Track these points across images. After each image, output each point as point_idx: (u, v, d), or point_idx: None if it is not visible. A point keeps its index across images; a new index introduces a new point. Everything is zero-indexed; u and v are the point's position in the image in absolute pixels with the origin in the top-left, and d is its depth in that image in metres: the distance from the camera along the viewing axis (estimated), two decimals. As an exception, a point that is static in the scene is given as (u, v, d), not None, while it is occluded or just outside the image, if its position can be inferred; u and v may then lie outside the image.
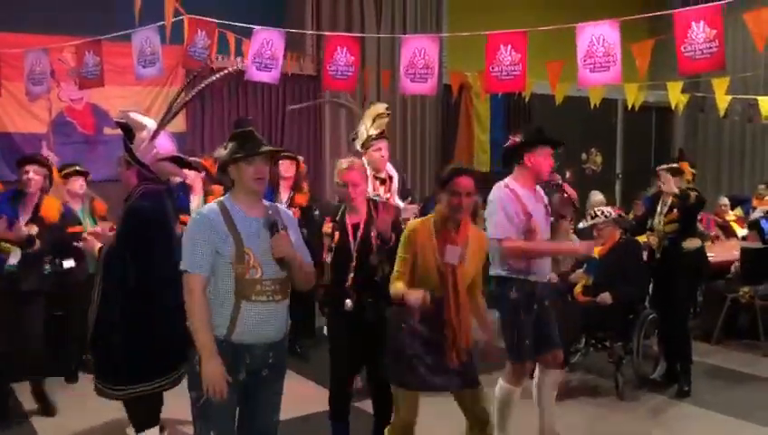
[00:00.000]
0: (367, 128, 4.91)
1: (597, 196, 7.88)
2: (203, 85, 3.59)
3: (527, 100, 8.46)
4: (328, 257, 3.72)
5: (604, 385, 5.39)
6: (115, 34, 5.77)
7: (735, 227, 8.53)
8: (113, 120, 4.69)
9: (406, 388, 3.31)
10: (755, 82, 9.52)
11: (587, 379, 5.58)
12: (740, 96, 8.66)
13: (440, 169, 3.66)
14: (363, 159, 4.42)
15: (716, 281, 6.69)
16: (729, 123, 10.45)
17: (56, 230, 4.72)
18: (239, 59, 6.32)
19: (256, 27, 5.55)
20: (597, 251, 5.31)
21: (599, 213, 5.31)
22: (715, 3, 4.51)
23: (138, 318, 3.33)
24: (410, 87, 5.60)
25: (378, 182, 4.92)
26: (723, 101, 7.58)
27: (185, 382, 2.87)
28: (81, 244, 3.76)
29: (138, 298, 3.33)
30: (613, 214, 5.37)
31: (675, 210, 5.21)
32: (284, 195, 5.79)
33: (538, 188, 4.04)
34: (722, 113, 7.98)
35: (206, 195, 5.30)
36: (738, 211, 9.03)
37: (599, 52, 4.83)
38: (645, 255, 5.45)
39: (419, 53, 5.49)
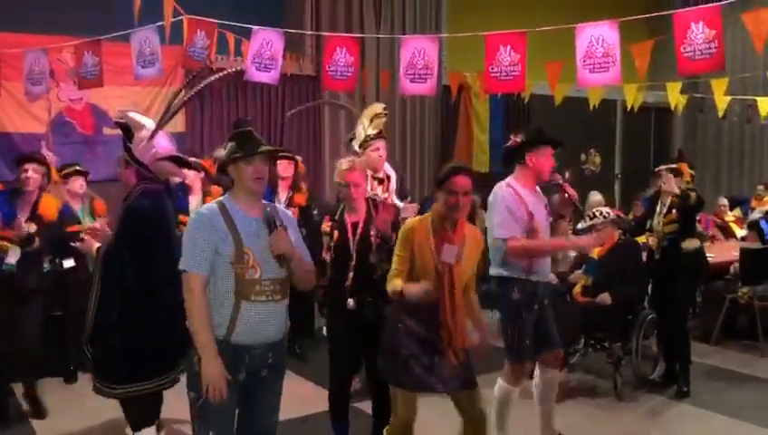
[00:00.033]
0: (365, 128, 4.91)
1: (596, 196, 7.89)
2: (202, 85, 3.59)
3: (526, 100, 8.47)
4: (327, 256, 3.73)
5: (603, 386, 5.39)
6: (114, 35, 5.77)
7: (734, 227, 8.54)
8: (112, 120, 4.70)
9: (403, 388, 3.31)
10: (754, 83, 9.52)
11: (586, 379, 5.58)
12: (739, 97, 8.66)
13: (439, 169, 3.67)
14: (361, 158, 4.43)
15: (715, 282, 6.69)
16: (728, 124, 10.46)
17: (55, 228, 4.72)
18: (239, 59, 6.33)
19: (255, 27, 5.54)
20: (596, 252, 5.32)
21: (597, 214, 5.31)
22: (714, 3, 4.52)
23: (136, 317, 3.33)
24: (410, 87, 5.60)
25: (375, 182, 4.92)
26: (722, 101, 7.58)
27: (184, 382, 2.86)
28: (78, 244, 3.75)
29: (136, 297, 3.33)
30: (612, 214, 5.36)
31: (674, 211, 5.22)
32: (283, 195, 5.80)
33: (537, 187, 4.04)
34: (721, 114, 7.98)
35: (205, 195, 5.30)
36: (737, 212, 9.04)
37: (598, 52, 4.83)
38: (644, 255, 5.45)
39: (419, 53, 5.49)
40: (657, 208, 5.37)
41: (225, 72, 3.67)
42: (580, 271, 5.52)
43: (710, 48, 4.42)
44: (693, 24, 4.46)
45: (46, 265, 4.84)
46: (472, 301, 3.45)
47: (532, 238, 3.83)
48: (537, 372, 4.12)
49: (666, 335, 5.42)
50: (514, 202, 3.82)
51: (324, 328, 4.37)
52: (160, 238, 3.37)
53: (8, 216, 4.56)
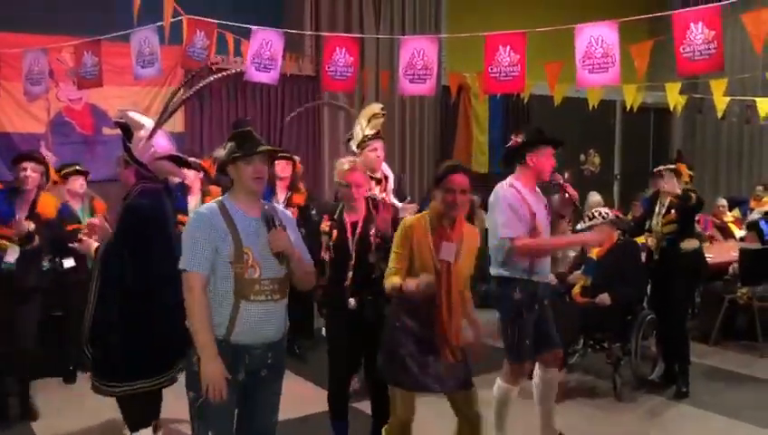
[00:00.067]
0: (362, 128, 4.91)
1: (595, 197, 7.89)
2: (201, 85, 3.59)
3: (526, 101, 8.47)
4: (326, 255, 3.73)
5: (602, 386, 5.39)
6: (114, 35, 5.77)
7: (733, 228, 8.54)
8: (112, 119, 4.70)
9: (401, 387, 3.32)
10: (753, 84, 9.52)
11: (585, 380, 5.58)
12: (738, 97, 8.66)
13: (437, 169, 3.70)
14: (359, 158, 4.43)
15: (714, 282, 6.69)
16: (727, 125, 10.46)
17: (54, 226, 4.72)
18: (238, 59, 6.32)
19: (255, 27, 5.54)
20: (595, 252, 5.32)
21: (597, 214, 5.31)
22: (714, 4, 4.52)
23: (136, 317, 3.33)
24: (409, 88, 5.60)
25: (373, 182, 4.92)
26: (721, 102, 7.58)
27: (183, 382, 2.86)
28: (76, 245, 3.75)
29: (136, 297, 3.33)
30: (611, 215, 5.37)
31: (672, 211, 5.22)
32: (281, 195, 5.78)
33: (537, 188, 4.04)
34: (720, 115, 7.98)
35: (204, 195, 5.30)
36: (736, 212, 9.05)
37: (597, 53, 4.83)
38: (643, 256, 5.45)
39: (418, 53, 5.49)
40: (656, 209, 5.38)
41: (225, 74, 3.67)
42: (579, 271, 5.52)
43: (709, 49, 4.43)
44: (692, 24, 4.46)
45: (45, 264, 4.84)
46: (466, 299, 3.46)
47: (533, 238, 3.83)
48: (537, 372, 4.12)
49: (665, 336, 5.42)
50: (517, 202, 3.83)
51: (323, 328, 4.36)
52: (159, 238, 3.37)
53: (7, 214, 4.56)
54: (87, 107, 7.12)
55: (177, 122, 7.22)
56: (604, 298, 5.06)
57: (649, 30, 6.53)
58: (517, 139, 4.05)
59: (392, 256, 3.32)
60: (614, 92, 8.07)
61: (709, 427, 4.73)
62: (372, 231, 3.71)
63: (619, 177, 11.72)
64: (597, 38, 4.83)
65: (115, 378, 3.38)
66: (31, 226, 4.57)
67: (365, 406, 4.09)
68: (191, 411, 2.79)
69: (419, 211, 4.95)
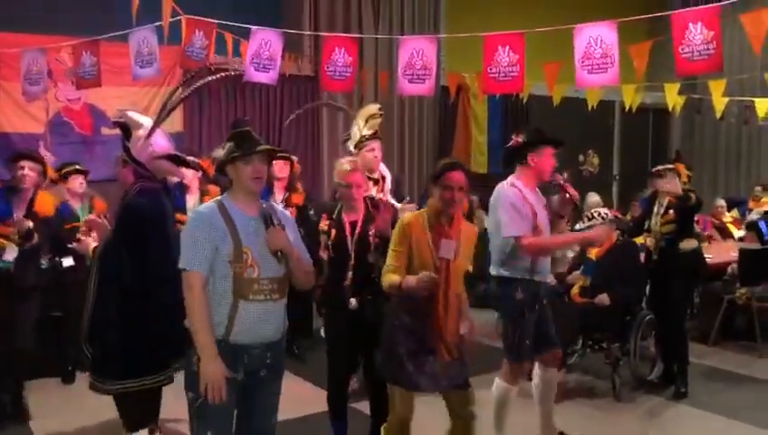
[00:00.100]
0: (360, 128, 4.91)
1: (594, 197, 7.89)
2: (199, 84, 3.59)
3: (525, 101, 8.47)
4: (324, 255, 3.73)
5: (601, 386, 5.39)
6: (112, 34, 5.77)
7: (732, 228, 8.55)
8: (111, 119, 4.69)
9: (400, 386, 3.32)
10: (752, 84, 9.52)
11: (584, 380, 5.58)
12: (736, 98, 8.67)
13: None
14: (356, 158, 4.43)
15: (713, 282, 6.70)
16: (725, 125, 10.48)
17: (52, 224, 4.72)
18: (237, 59, 6.32)
19: (254, 28, 5.54)
20: (594, 253, 5.32)
21: (596, 214, 5.31)
22: (713, 4, 4.52)
23: (134, 315, 3.33)
24: (408, 88, 5.60)
25: (371, 183, 4.92)
26: (719, 102, 7.58)
27: (182, 381, 2.85)
28: (74, 244, 3.75)
29: (134, 295, 3.33)
30: (610, 215, 5.37)
31: (671, 211, 5.22)
32: (279, 195, 5.76)
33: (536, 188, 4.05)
34: (718, 115, 7.99)
35: (203, 194, 5.30)
36: (735, 213, 9.05)
37: (596, 53, 4.83)
38: (642, 256, 5.45)
39: (417, 53, 5.49)
40: (655, 209, 5.38)
41: (224, 74, 3.67)
42: (578, 272, 5.53)
43: (708, 49, 4.43)
44: (691, 24, 4.46)
45: (44, 263, 4.84)
46: (462, 299, 3.46)
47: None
48: (536, 372, 4.12)
49: (664, 336, 5.42)
50: (520, 201, 3.84)
51: (322, 329, 4.36)
52: (157, 237, 3.36)
53: (4, 213, 4.56)
54: (86, 107, 7.12)
55: (175, 122, 7.23)
56: (603, 298, 5.06)
57: (648, 30, 6.54)
58: (518, 138, 4.06)
59: (390, 253, 3.31)
60: (613, 93, 8.07)
61: (708, 427, 4.73)
62: (371, 231, 3.70)
63: (617, 177, 11.73)
64: (596, 38, 4.83)
65: (112, 376, 3.38)
66: (30, 224, 4.57)
67: (364, 406, 4.09)
68: (190, 412, 2.79)
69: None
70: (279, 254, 2.76)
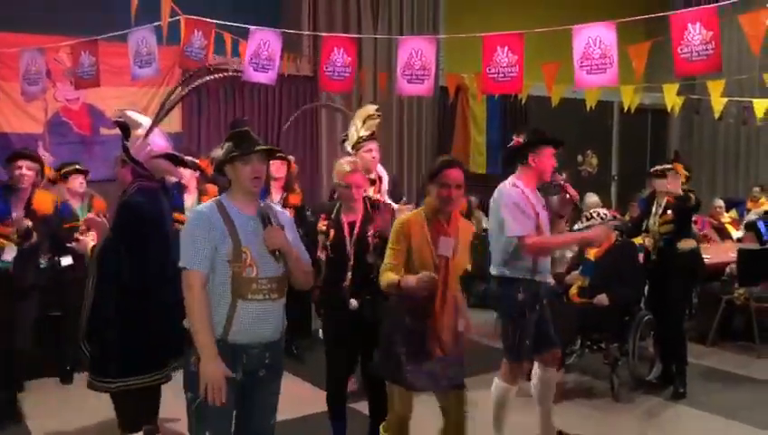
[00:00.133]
0: (357, 129, 4.91)
1: (592, 198, 7.89)
2: (198, 83, 3.59)
3: (523, 102, 8.47)
4: (322, 255, 3.73)
5: (600, 387, 5.39)
6: (111, 34, 5.76)
7: (730, 229, 8.56)
8: (111, 119, 4.70)
9: (399, 385, 3.32)
10: (750, 85, 9.54)
11: (582, 380, 5.59)
12: (735, 98, 8.68)
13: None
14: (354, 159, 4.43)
15: (712, 283, 6.70)
16: (724, 126, 10.48)
17: (50, 222, 4.72)
18: (236, 59, 6.31)
19: (253, 28, 5.54)
20: (592, 253, 5.32)
21: (595, 214, 5.32)
22: (712, 4, 4.52)
23: (133, 314, 3.33)
24: (407, 88, 5.60)
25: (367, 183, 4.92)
26: (718, 103, 7.59)
27: (181, 381, 2.85)
28: (73, 244, 3.75)
29: (132, 293, 3.34)
30: (609, 215, 5.37)
31: (669, 211, 5.23)
32: (276, 196, 5.74)
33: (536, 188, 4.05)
34: (717, 116, 7.99)
35: (201, 194, 5.30)
36: (733, 213, 9.07)
37: (595, 53, 4.84)
38: (640, 256, 5.45)
39: (416, 54, 5.49)
40: (653, 209, 5.38)
41: (223, 74, 3.67)
42: (576, 272, 5.53)
43: (707, 49, 4.43)
44: (690, 25, 4.46)
45: (43, 262, 4.83)
46: (458, 299, 3.46)
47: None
48: (535, 372, 4.12)
49: (662, 336, 5.42)
50: (522, 201, 3.84)
51: (320, 329, 4.36)
52: (156, 236, 3.37)
53: (3, 213, 4.56)
54: (84, 107, 7.11)
55: (174, 122, 7.22)
56: (603, 299, 5.07)
57: (647, 31, 6.55)
58: (519, 139, 4.06)
59: (388, 252, 3.31)
60: (612, 93, 8.07)
61: (706, 427, 4.73)
62: (370, 232, 3.70)
63: (616, 177, 11.74)
64: (595, 39, 4.83)
65: (111, 374, 3.39)
66: (29, 223, 4.57)
67: (363, 407, 4.09)
68: (189, 412, 2.78)
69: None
70: (277, 253, 2.76)
